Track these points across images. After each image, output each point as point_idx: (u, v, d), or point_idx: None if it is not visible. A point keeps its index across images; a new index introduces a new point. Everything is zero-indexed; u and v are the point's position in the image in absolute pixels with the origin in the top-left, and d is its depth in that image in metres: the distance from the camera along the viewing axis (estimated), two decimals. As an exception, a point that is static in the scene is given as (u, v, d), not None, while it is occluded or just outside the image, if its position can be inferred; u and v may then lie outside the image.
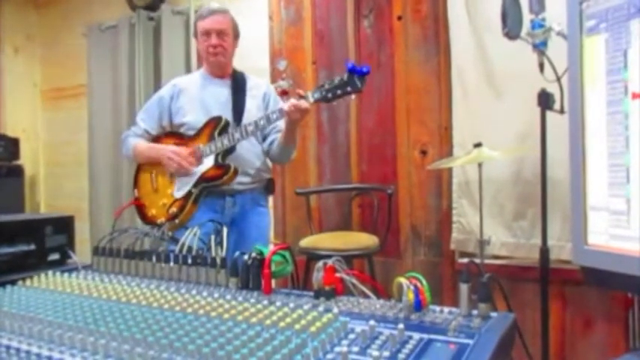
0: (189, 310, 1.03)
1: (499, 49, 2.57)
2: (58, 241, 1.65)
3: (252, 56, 3.48)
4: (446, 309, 1.01)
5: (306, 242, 2.72)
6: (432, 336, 0.87)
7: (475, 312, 0.97)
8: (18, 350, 0.90)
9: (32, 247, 1.59)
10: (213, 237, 1.34)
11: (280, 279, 1.28)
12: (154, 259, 1.34)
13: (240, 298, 1.10)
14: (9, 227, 1.62)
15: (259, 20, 3.48)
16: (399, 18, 3.03)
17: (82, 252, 2.13)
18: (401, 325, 0.88)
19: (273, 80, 3.36)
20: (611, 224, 0.82)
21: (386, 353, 0.81)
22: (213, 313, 1.00)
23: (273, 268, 1.19)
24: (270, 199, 2.54)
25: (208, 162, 2.21)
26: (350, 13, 3.19)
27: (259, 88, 2.40)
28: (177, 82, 2.41)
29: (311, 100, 2.01)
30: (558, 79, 2.02)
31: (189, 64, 3.69)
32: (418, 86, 2.99)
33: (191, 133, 2.27)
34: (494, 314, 0.96)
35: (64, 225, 1.71)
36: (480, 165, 2.40)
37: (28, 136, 4.50)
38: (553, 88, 2.08)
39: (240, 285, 1.21)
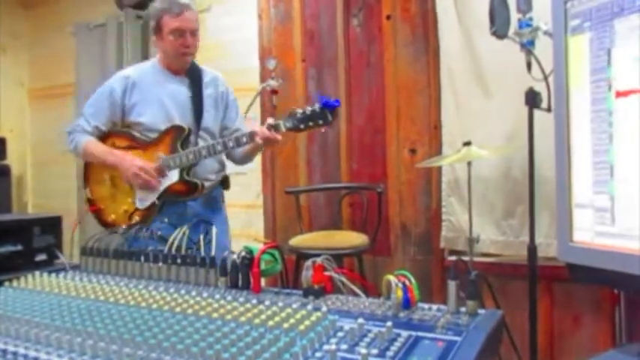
0: (178, 309, 1.03)
1: (488, 47, 2.58)
2: (46, 241, 1.63)
3: (242, 55, 3.48)
4: (434, 306, 1.01)
5: (295, 241, 2.72)
6: (420, 333, 0.88)
7: (463, 309, 0.98)
8: (4, 352, 0.89)
9: (19, 247, 1.58)
10: (202, 236, 1.34)
11: (269, 278, 1.28)
12: (142, 259, 1.33)
13: (229, 298, 1.10)
14: (-5, 228, 1.60)
15: (248, 19, 3.48)
16: (389, 17, 3.04)
17: (72, 251, 2.12)
18: (389, 323, 0.88)
19: (263, 79, 3.35)
20: (595, 221, 0.83)
21: (374, 351, 0.81)
22: (202, 313, 1.00)
23: (262, 266, 1.19)
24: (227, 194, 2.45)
25: (173, 176, 2.12)
26: (339, 11, 3.19)
27: (216, 85, 2.30)
28: (129, 73, 2.24)
29: (283, 130, 1.97)
30: (545, 78, 2.04)
31: (178, 63, 3.67)
32: (407, 85, 2.99)
33: (148, 136, 2.17)
34: (482, 311, 0.97)
35: (52, 225, 1.70)
36: (469, 163, 2.41)
37: (15, 136, 4.45)
38: (541, 87, 2.10)
39: (230, 284, 1.20)
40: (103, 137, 2.23)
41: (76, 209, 4.03)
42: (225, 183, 2.36)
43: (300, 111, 1.95)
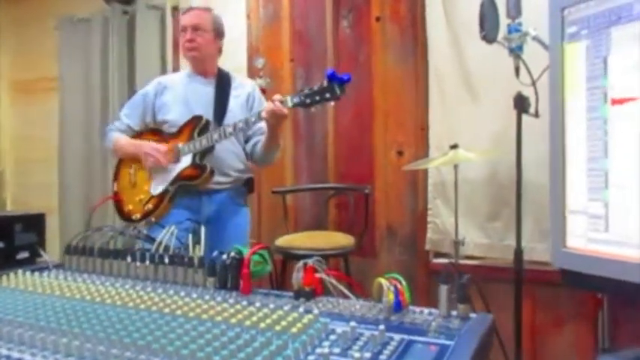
0: (167, 310, 1.01)
1: (476, 51, 2.60)
2: (28, 239, 1.59)
3: (230, 54, 3.44)
4: (425, 310, 1.01)
5: (282, 241, 2.71)
6: (413, 337, 0.87)
7: (454, 313, 0.98)
8: (-13, 352, 0.87)
9: (0, 244, 1.54)
10: (190, 236, 1.32)
11: (257, 279, 1.26)
12: (128, 258, 1.31)
13: (218, 299, 1.08)
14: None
15: (237, 18, 3.44)
16: (378, 19, 3.04)
17: (50, 249, 2.07)
18: (382, 326, 0.88)
19: (251, 78, 3.33)
20: (589, 228, 0.84)
21: (367, 354, 0.80)
22: (191, 314, 0.98)
23: (251, 267, 1.18)
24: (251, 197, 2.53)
25: (186, 161, 2.19)
26: (329, 12, 3.19)
27: (244, 88, 2.39)
28: (163, 79, 2.43)
29: (289, 105, 1.99)
30: (534, 83, 2.06)
31: (164, 59, 3.63)
32: (396, 87, 3.00)
33: (172, 130, 2.26)
34: (473, 315, 0.97)
35: (35, 223, 1.66)
36: (455, 166, 2.42)
37: (-6, 131, 4.36)
38: (528, 92, 2.12)
39: (218, 285, 1.19)
40: (135, 136, 2.36)
41: (57, 206, 3.96)
42: (248, 185, 2.41)
43: (307, 87, 1.98)
